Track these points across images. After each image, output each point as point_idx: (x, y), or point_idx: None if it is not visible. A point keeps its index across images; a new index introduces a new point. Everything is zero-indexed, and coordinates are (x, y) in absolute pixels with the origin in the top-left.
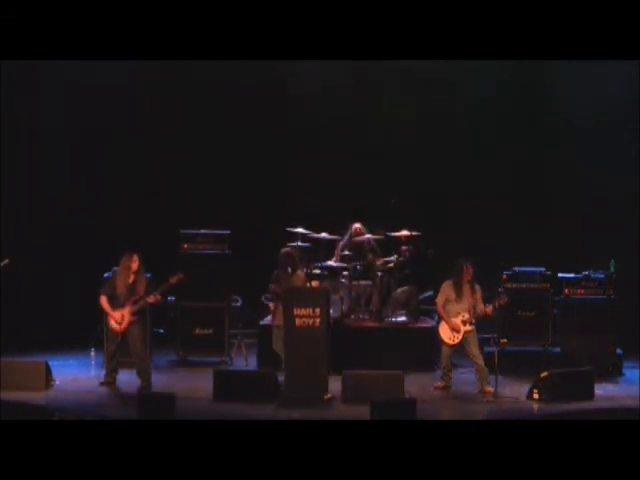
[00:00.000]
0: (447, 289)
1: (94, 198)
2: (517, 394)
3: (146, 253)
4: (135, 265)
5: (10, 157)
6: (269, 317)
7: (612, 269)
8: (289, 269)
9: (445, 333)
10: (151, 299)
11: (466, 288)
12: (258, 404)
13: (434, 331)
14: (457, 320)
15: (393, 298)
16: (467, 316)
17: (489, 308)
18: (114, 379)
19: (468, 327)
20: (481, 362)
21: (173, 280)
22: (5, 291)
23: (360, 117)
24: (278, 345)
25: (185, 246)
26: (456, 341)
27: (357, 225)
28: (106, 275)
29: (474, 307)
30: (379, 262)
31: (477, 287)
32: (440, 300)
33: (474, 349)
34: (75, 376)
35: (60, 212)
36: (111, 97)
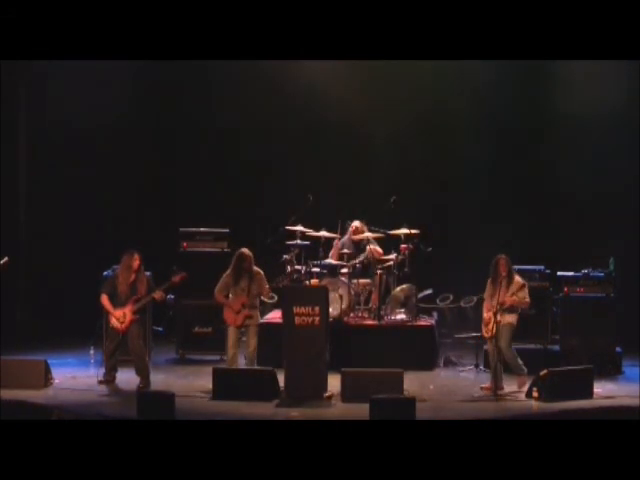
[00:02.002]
0: (488, 286)
1: (93, 197)
2: (516, 393)
3: (145, 251)
4: (136, 264)
5: (10, 156)
6: (268, 315)
7: (611, 267)
8: (246, 271)
9: (483, 328)
10: (157, 295)
11: (504, 282)
12: (257, 402)
13: (433, 329)
14: (489, 314)
15: (392, 296)
16: (497, 306)
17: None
18: (113, 377)
19: (498, 317)
20: (500, 359)
21: (176, 279)
22: (4, 290)
23: (360, 116)
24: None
25: (184, 244)
26: (490, 334)
27: (356, 223)
28: (105, 273)
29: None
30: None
31: (516, 280)
32: (485, 297)
33: (500, 342)
34: (74, 374)
35: (59, 211)
36: (111, 96)
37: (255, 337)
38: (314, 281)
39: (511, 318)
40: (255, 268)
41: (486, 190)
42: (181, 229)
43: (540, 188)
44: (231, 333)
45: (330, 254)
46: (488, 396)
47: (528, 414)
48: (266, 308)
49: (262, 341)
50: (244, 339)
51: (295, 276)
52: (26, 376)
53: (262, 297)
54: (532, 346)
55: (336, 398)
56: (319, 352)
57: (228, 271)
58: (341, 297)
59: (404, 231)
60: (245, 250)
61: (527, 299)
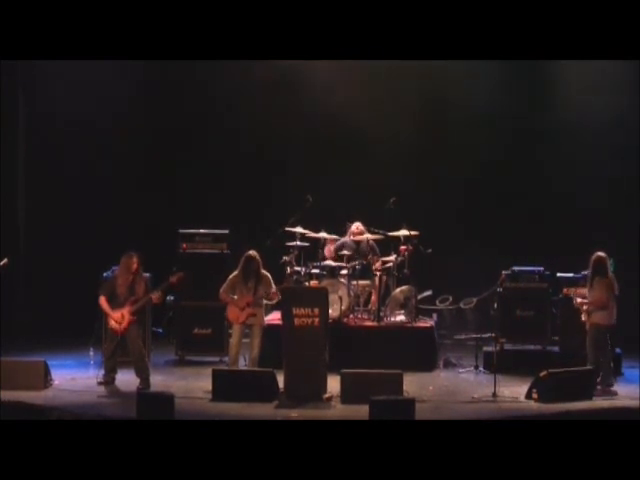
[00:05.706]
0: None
1: (93, 197)
2: (516, 394)
3: (145, 252)
4: (135, 265)
5: (9, 156)
6: (268, 316)
7: (611, 268)
8: (254, 272)
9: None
10: (154, 296)
11: (589, 280)
12: (257, 403)
13: (433, 331)
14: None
15: (392, 298)
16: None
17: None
18: (113, 378)
19: (589, 317)
20: (591, 362)
21: (173, 279)
22: (4, 290)
23: (360, 116)
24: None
25: (184, 245)
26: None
27: (356, 224)
28: (105, 274)
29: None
30: (378, 262)
31: (609, 278)
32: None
33: (587, 342)
34: (73, 375)
35: (59, 211)
36: (111, 96)
37: (259, 339)
38: (314, 282)
39: (596, 318)
40: (263, 271)
41: (486, 191)
42: (180, 230)
43: (540, 189)
44: (234, 332)
45: (325, 251)
46: (487, 397)
47: (528, 415)
48: (266, 309)
49: (262, 341)
50: (246, 340)
51: (295, 277)
52: (25, 377)
53: (268, 300)
54: (531, 347)
55: (336, 399)
56: (318, 353)
57: (235, 272)
58: (341, 298)
59: (404, 232)
60: (253, 252)
61: (601, 299)
